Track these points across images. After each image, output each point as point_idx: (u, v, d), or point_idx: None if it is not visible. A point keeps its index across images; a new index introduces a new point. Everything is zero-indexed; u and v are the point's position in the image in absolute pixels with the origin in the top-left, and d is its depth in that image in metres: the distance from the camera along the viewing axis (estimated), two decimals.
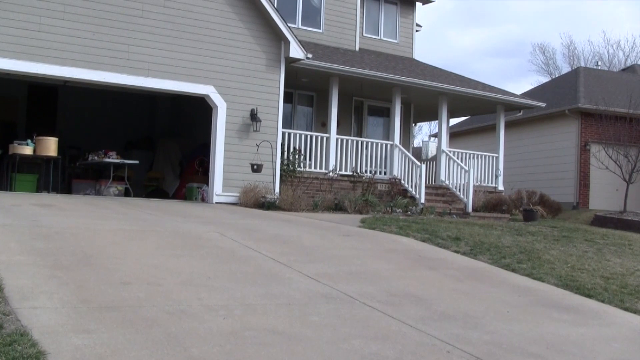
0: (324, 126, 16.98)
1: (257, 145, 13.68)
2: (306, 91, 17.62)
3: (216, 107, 13.55)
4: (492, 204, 16.51)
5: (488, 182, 18.08)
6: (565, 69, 42.25)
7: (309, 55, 14.31)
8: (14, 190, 13.27)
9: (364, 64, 16.32)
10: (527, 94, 23.55)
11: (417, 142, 30.16)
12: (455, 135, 26.54)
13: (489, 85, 18.83)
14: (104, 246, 6.88)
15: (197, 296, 5.25)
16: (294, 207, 12.83)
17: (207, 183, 14.08)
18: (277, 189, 13.92)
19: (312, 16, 17.39)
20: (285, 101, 14.71)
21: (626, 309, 6.57)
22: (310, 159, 15.38)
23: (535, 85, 32.47)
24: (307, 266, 6.86)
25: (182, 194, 15.54)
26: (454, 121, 26.30)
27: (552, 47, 63.35)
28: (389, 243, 9.21)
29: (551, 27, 63.96)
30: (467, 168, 16.57)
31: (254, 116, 13.75)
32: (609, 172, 19.61)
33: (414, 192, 15.76)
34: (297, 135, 15.42)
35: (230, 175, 13.56)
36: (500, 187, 18.29)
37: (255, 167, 13.52)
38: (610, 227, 15.80)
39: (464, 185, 16.43)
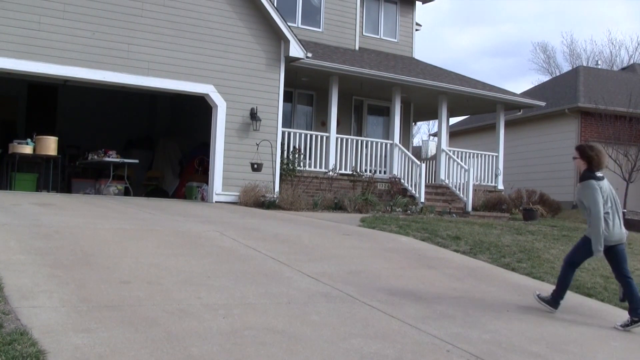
0: (323, 125, 16.98)
1: (257, 145, 13.67)
2: (306, 90, 17.62)
3: (216, 106, 13.55)
4: (491, 203, 16.51)
5: (488, 182, 18.08)
6: (566, 68, 42.28)
7: (309, 55, 14.30)
8: (14, 190, 13.26)
9: (363, 63, 16.31)
10: (527, 93, 23.56)
11: (416, 141, 30.17)
12: (455, 134, 26.54)
13: (488, 85, 18.83)
14: (103, 245, 6.88)
15: (196, 295, 5.25)
16: (294, 206, 12.83)
17: (206, 182, 14.08)
18: (277, 188, 13.91)
19: (312, 15, 17.38)
20: (285, 100, 14.71)
21: (626, 308, 6.57)
22: (310, 158, 15.38)
23: (535, 85, 32.48)
24: (307, 265, 6.86)
25: (181, 193, 15.54)
26: (453, 120, 26.31)
27: (552, 46, 63.42)
28: (388, 242, 9.21)
29: (549, 27, 64.01)
30: (466, 167, 16.57)
31: (253, 115, 13.74)
32: (609, 171, 19.55)
33: (413, 191, 15.75)
34: (297, 135, 15.42)
35: (230, 174, 13.56)
36: (500, 187, 18.29)
37: (255, 166, 13.52)
38: None
39: (463, 184, 16.42)
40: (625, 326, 5.86)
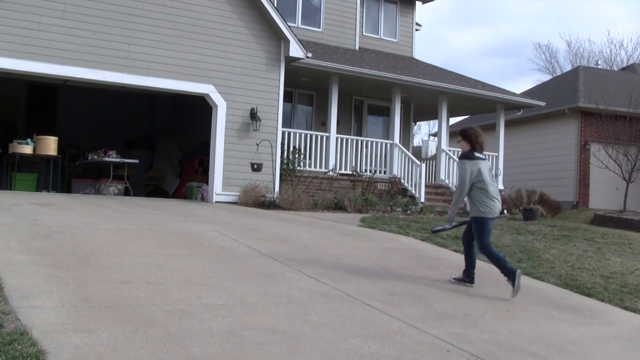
0: (323, 125, 16.98)
1: (257, 145, 13.67)
2: (306, 90, 17.62)
3: (216, 106, 13.55)
4: None
5: None
6: (567, 67, 42.31)
7: (309, 55, 14.30)
8: (14, 190, 13.26)
9: (363, 63, 16.31)
10: (527, 93, 23.56)
11: (416, 141, 30.15)
12: (455, 134, 26.49)
13: (488, 85, 18.83)
14: (103, 245, 6.88)
15: (196, 295, 5.24)
16: (294, 206, 12.83)
17: (206, 182, 14.08)
18: (277, 188, 13.92)
19: (312, 15, 17.38)
20: (285, 100, 14.71)
21: (626, 308, 6.58)
22: (310, 158, 15.38)
23: (535, 84, 32.47)
24: (307, 265, 6.86)
25: (181, 193, 15.54)
26: (453, 120, 26.27)
27: (554, 46, 63.50)
28: (388, 242, 9.21)
29: (549, 27, 64.00)
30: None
31: (253, 115, 13.75)
32: (609, 171, 19.60)
33: (413, 191, 15.75)
34: (297, 135, 15.42)
35: (230, 174, 13.56)
36: (500, 187, 18.28)
37: (255, 166, 13.51)
38: (610, 226, 15.79)
39: None
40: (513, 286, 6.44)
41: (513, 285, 6.40)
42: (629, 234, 13.45)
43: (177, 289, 5.38)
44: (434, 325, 5.11)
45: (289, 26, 14.10)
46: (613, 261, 9.19)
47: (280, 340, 4.38)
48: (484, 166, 6.78)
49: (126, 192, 14.98)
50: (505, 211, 5.85)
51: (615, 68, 38.62)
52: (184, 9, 13.20)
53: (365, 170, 16.03)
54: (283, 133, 14.73)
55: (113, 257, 6.34)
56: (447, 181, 17.01)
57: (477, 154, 6.78)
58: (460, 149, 7.12)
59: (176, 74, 13.10)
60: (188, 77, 13.23)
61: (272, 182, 13.90)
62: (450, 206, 6.93)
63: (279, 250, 7.50)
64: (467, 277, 6.86)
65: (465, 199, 6.85)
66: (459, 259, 8.36)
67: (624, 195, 18.77)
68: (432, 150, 19.81)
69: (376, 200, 14.34)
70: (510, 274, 6.47)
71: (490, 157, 18.29)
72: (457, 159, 6.90)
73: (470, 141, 6.82)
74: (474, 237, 6.78)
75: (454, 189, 16.64)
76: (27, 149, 13.28)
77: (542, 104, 19.50)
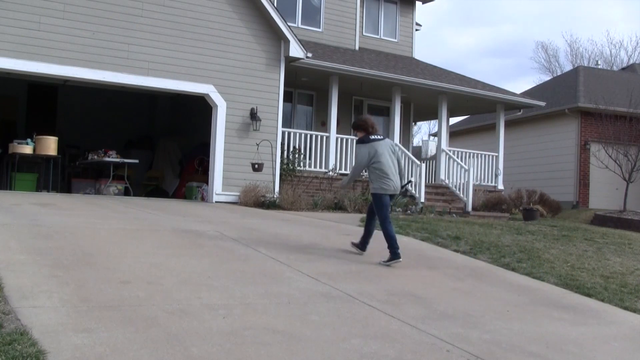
0: (323, 125, 16.98)
1: (257, 145, 13.67)
2: (306, 90, 17.62)
3: (216, 106, 13.55)
4: (491, 203, 16.51)
5: (488, 182, 18.08)
6: (568, 67, 42.31)
7: (309, 55, 14.30)
8: (14, 190, 13.27)
9: (363, 63, 16.31)
10: (527, 93, 23.56)
11: (416, 141, 30.15)
12: (455, 134, 26.54)
13: (488, 85, 18.83)
14: (103, 245, 6.88)
15: (197, 295, 5.24)
16: (294, 206, 12.83)
17: (206, 182, 14.08)
18: (277, 188, 13.92)
19: (312, 15, 17.38)
20: (285, 100, 14.71)
21: (626, 308, 6.57)
22: (310, 158, 15.38)
23: (535, 84, 32.48)
24: (307, 265, 6.86)
25: (181, 193, 15.54)
26: (453, 120, 26.30)
27: (554, 45, 63.49)
28: None
29: (549, 27, 64.01)
30: (466, 167, 16.57)
31: (253, 115, 13.75)
32: (609, 171, 19.61)
33: (413, 191, 15.74)
34: (297, 135, 15.42)
35: (230, 174, 13.56)
36: (500, 187, 18.29)
37: (256, 166, 13.51)
38: (610, 226, 15.80)
39: (463, 184, 16.42)
40: (387, 262, 7.26)
41: (387, 262, 7.23)
42: (629, 234, 13.46)
43: (177, 289, 5.38)
44: (434, 325, 5.11)
45: (289, 26, 14.10)
46: (613, 261, 9.19)
47: (280, 340, 4.38)
48: (382, 146, 7.42)
49: (126, 192, 14.98)
50: (405, 192, 6.78)
51: (615, 68, 38.62)
52: (184, 9, 13.21)
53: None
54: (283, 133, 14.73)
55: (113, 257, 6.34)
56: (447, 181, 17.01)
57: (372, 137, 7.42)
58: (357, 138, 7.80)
59: (176, 74, 13.10)
60: (188, 77, 13.23)
61: (272, 182, 13.90)
62: (345, 179, 7.76)
63: (279, 250, 7.51)
64: (362, 245, 7.61)
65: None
66: (459, 259, 8.39)
67: (624, 195, 18.79)
68: (432, 150, 19.82)
69: None
70: (394, 256, 7.25)
71: (490, 157, 18.31)
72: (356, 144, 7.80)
73: (362, 128, 7.52)
74: (375, 212, 7.54)
75: (453, 189, 16.66)
76: (27, 149, 13.29)
77: (542, 104, 19.50)
